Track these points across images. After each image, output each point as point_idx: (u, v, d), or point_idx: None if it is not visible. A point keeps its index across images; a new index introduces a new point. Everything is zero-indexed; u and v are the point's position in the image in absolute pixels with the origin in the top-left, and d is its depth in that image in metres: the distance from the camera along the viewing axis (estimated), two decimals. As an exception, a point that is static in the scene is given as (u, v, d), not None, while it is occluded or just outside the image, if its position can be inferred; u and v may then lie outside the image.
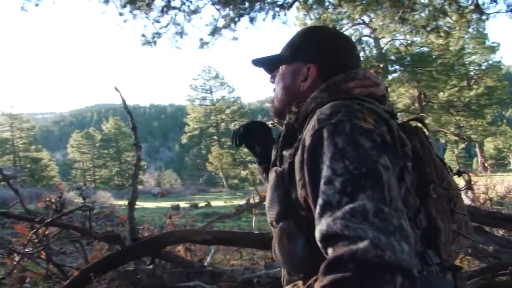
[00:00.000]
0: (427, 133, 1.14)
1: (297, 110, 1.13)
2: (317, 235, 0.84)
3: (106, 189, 32.25)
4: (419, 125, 1.15)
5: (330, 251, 0.81)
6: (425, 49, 23.21)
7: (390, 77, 22.13)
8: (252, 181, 46.17)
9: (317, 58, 1.18)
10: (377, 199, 0.81)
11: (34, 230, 4.71)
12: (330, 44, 1.21)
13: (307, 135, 0.98)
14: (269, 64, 1.34)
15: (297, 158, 1.00)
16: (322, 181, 0.88)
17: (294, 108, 1.13)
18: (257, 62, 1.35)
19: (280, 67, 1.27)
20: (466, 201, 8.40)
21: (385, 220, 0.78)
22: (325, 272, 0.78)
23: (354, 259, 0.75)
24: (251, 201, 19.83)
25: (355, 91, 1.08)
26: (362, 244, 0.75)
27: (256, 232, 5.30)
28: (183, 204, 19.69)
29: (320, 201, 0.86)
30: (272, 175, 1.11)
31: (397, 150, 0.95)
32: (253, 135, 1.45)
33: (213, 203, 21.52)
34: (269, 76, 1.36)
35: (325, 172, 0.88)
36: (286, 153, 1.09)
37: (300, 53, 1.22)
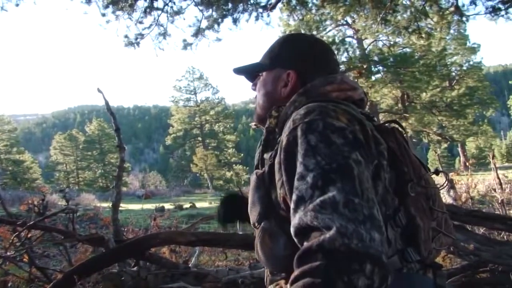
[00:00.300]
0: (404, 134, 1.17)
1: (277, 114, 1.17)
2: (292, 230, 0.87)
3: (90, 191, 31.62)
4: (396, 126, 1.17)
5: (305, 244, 0.83)
6: (408, 50, 23.36)
7: (373, 78, 22.17)
8: (237, 182, 46.18)
9: (296, 64, 1.23)
10: (347, 191, 0.83)
11: (17, 233, 4.64)
12: (308, 50, 1.26)
13: (283, 136, 1.02)
14: (250, 72, 1.38)
15: (276, 160, 1.03)
16: (296, 177, 0.91)
17: (274, 113, 1.18)
18: (239, 71, 1.39)
19: (261, 75, 1.32)
20: (448, 200, 8.51)
21: (355, 210, 0.80)
22: (297, 264, 0.80)
23: (322, 249, 0.77)
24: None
25: (333, 95, 1.12)
26: (329, 234, 0.77)
27: (241, 233, 5.31)
28: (167, 206, 19.54)
29: (294, 196, 0.89)
30: (253, 177, 1.15)
31: (370, 148, 0.98)
32: (234, 208, 1.49)
33: (198, 205, 21.42)
34: (250, 83, 1.40)
35: (298, 168, 0.91)
36: (266, 156, 1.12)
37: (280, 60, 1.27)
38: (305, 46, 1.27)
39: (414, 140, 28.83)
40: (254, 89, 1.36)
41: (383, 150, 1.01)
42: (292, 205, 0.89)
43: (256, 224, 1.10)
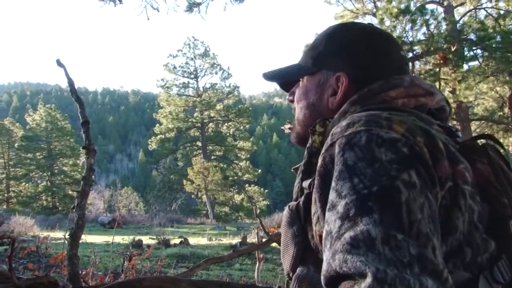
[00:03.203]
0: (504, 153, 1.22)
1: (323, 129, 1.22)
2: (321, 279, 0.89)
3: (27, 214, 31.64)
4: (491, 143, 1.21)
5: None
6: (528, 23, 22.55)
7: (466, 67, 21.66)
8: (249, 210, 46.17)
9: (349, 64, 1.30)
10: (387, 223, 0.86)
11: None
12: (364, 44, 1.31)
13: (320, 156, 1.08)
14: (286, 77, 1.46)
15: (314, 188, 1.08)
16: (327, 207, 0.96)
17: (319, 128, 1.23)
18: (270, 77, 1.49)
19: (301, 81, 1.42)
20: None
21: (398, 249, 0.83)
22: None
23: None
24: (250, 240, 19.81)
25: (398, 102, 1.19)
26: (364, 284, 0.79)
27: (260, 285, 5.29)
28: (147, 240, 19.71)
29: (323, 232, 0.95)
30: (285, 211, 1.23)
31: (440, 165, 0.99)
32: None
33: (192, 240, 21.59)
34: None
35: (330, 195, 0.97)
36: (305, 183, 1.18)
37: (326, 59, 1.35)
38: (360, 39, 1.32)
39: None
40: (292, 100, 1.45)
41: (463, 171, 1.03)
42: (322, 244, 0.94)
43: (290, 273, 1.16)
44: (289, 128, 1.50)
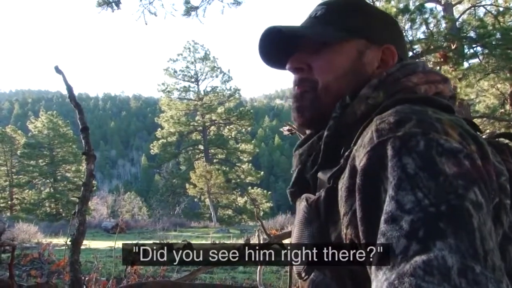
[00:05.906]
0: None
1: (339, 111, 1.16)
2: None
3: (31, 220, 31.62)
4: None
5: None
6: (528, 20, 22.47)
7: (466, 64, 21.60)
8: (252, 213, 46.16)
9: (390, 38, 1.26)
10: (464, 251, 0.76)
11: None
12: (396, 24, 1.32)
13: (359, 152, 0.97)
14: (315, 36, 1.27)
15: (343, 184, 0.99)
16: (383, 217, 0.85)
17: (337, 109, 1.16)
18: (288, 31, 1.27)
19: (320, 47, 1.25)
20: None
21: (476, 283, 0.73)
22: None
23: None
24: (253, 242, 19.85)
25: (420, 89, 1.12)
26: None
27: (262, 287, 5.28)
28: (150, 245, 19.71)
29: (378, 246, 0.84)
30: (301, 206, 1.12)
31: (492, 180, 0.92)
32: None
33: (196, 244, 21.55)
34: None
35: (388, 206, 0.85)
36: (323, 175, 1.11)
37: (365, 29, 1.25)
38: (392, 18, 1.32)
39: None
40: (300, 68, 1.28)
41: (505, 184, 0.96)
42: (374, 258, 0.85)
43: (303, 275, 1.09)
44: (304, 91, 1.26)
